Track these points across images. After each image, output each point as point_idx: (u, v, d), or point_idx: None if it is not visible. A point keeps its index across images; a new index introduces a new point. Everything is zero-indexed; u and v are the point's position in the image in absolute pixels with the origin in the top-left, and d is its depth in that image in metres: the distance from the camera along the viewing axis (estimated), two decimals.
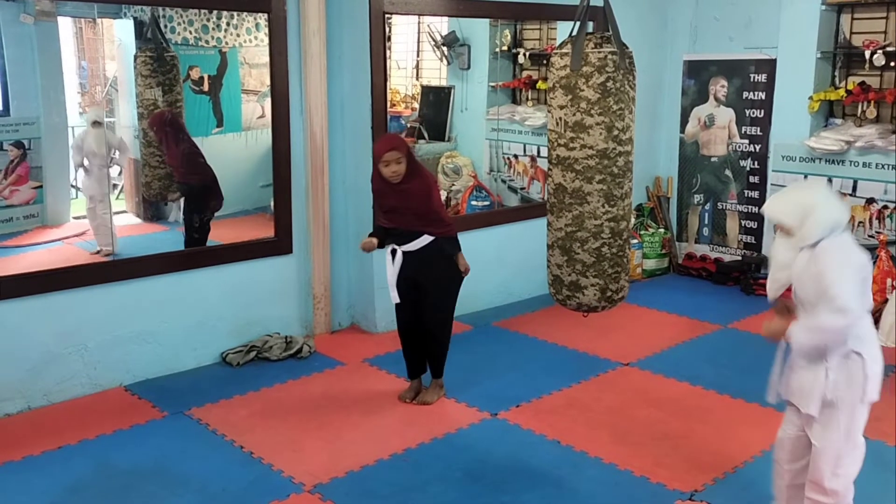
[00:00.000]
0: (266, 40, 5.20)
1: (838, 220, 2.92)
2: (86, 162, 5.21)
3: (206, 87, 5.61)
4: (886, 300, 5.59)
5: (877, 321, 5.57)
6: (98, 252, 5.09)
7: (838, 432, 2.94)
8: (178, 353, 5.01)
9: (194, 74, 5.53)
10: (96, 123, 5.20)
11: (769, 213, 3.01)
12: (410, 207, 4.26)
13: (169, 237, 5.61)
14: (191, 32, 5.45)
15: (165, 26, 5.30)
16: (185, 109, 5.49)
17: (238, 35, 5.65)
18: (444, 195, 7.21)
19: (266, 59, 5.25)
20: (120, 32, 5.48)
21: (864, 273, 2.88)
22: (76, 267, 4.73)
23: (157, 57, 5.31)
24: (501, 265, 6.21)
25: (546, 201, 3.59)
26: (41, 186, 5.12)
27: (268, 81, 5.28)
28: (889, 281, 5.70)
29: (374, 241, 4.36)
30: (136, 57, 5.32)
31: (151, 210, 5.79)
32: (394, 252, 4.37)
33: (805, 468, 3.10)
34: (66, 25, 5.31)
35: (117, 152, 5.51)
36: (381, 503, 3.60)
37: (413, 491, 3.69)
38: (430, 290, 4.39)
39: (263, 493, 3.65)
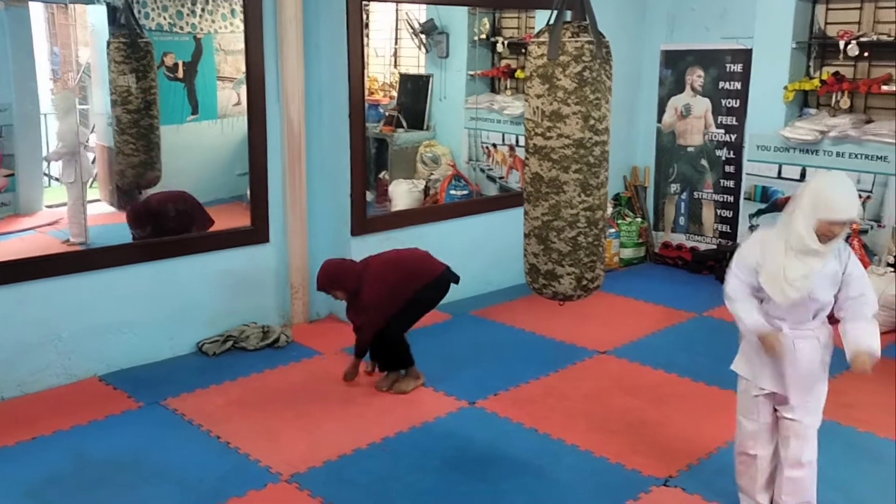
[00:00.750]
0: (242, 27, 5.15)
1: None
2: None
3: (180, 74, 5.55)
4: None
5: None
6: (67, 241, 5.04)
7: (820, 405, 3.25)
8: (153, 343, 4.97)
9: (169, 61, 5.46)
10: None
11: (855, 211, 3.02)
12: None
13: None
14: (165, 18, 5.38)
15: (139, 12, 5.23)
16: (159, 96, 5.42)
17: (213, 21, 5.58)
18: (422, 184, 7.20)
19: (242, 45, 5.20)
20: (93, 18, 5.40)
21: None
22: (50, 256, 4.68)
23: (130, 43, 5.24)
24: (480, 254, 6.22)
25: (523, 190, 3.59)
26: (13, 175, 5.05)
27: (244, 68, 5.23)
28: None
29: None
30: (109, 43, 5.24)
31: (125, 199, 5.72)
32: None
33: (774, 452, 3.27)
34: (37, 11, 5.22)
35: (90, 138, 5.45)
36: (358, 492, 3.60)
37: (391, 480, 3.70)
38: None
39: (240, 483, 3.65)
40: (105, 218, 5.51)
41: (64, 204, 5.27)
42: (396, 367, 4.62)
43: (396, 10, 7.98)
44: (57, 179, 5.32)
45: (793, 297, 3.05)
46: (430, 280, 4.51)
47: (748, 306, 3.16)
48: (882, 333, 5.36)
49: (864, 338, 3.05)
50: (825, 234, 3.01)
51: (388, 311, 4.44)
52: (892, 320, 5.46)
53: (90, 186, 5.48)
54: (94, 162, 5.59)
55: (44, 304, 4.54)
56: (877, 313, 3.13)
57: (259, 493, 3.59)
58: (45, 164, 5.26)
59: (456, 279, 4.60)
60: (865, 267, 5.71)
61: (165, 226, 5.36)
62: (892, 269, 5.56)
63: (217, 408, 4.39)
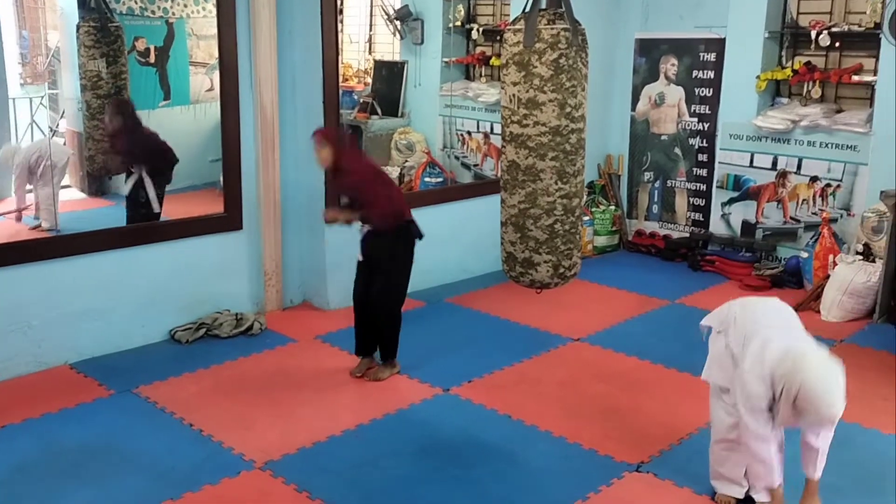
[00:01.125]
0: (214, 11, 5.09)
1: None
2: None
3: (152, 59, 5.48)
4: (828, 276, 5.74)
5: (818, 296, 5.73)
6: (37, 227, 4.98)
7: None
8: (125, 331, 4.92)
9: (140, 46, 5.39)
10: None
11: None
12: (348, 195, 4.39)
13: (114, 212, 5.48)
14: (136, 2, 5.31)
15: None
16: (130, 82, 5.35)
17: (185, 5, 5.52)
18: (397, 171, 7.18)
19: (215, 30, 5.14)
20: (62, 1, 5.31)
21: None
22: (20, 243, 4.62)
23: (100, 27, 5.17)
24: (455, 242, 6.22)
25: (500, 178, 3.60)
26: None
27: (216, 54, 5.18)
28: (831, 257, 5.85)
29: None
30: (78, 27, 5.17)
31: (96, 185, 5.65)
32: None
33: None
34: None
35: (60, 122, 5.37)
36: (333, 479, 3.60)
37: (365, 466, 3.70)
38: (381, 267, 4.40)
39: (214, 471, 3.63)
40: (76, 204, 5.44)
41: (30, 190, 5.20)
42: (388, 354, 4.58)
43: None
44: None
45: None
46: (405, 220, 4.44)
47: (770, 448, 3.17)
48: (851, 321, 5.51)
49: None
50: (787, 421, 3.04)
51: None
52: (862, 308, 5.55)
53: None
54: (64, 144, 5.51)
55: (14, 291, 4.47)
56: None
57: (233, 480, 3.57)
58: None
59: (419, 234, 4.53)
60: (834, 255, 5.82)
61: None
62: (861, 258, 5.63)
63: (190, 395, 4.36)
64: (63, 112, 5.43)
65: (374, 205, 4.31)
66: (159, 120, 5.46)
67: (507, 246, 3.54)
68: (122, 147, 5.35)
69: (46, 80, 5.38)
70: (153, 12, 5.40)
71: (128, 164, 5.34)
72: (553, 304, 5.64)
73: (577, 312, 5.67)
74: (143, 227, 5.11)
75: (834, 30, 5.98)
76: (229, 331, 5.15)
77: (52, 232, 4.94)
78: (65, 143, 5.53)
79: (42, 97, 5.36)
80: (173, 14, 5.47)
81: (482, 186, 6.64)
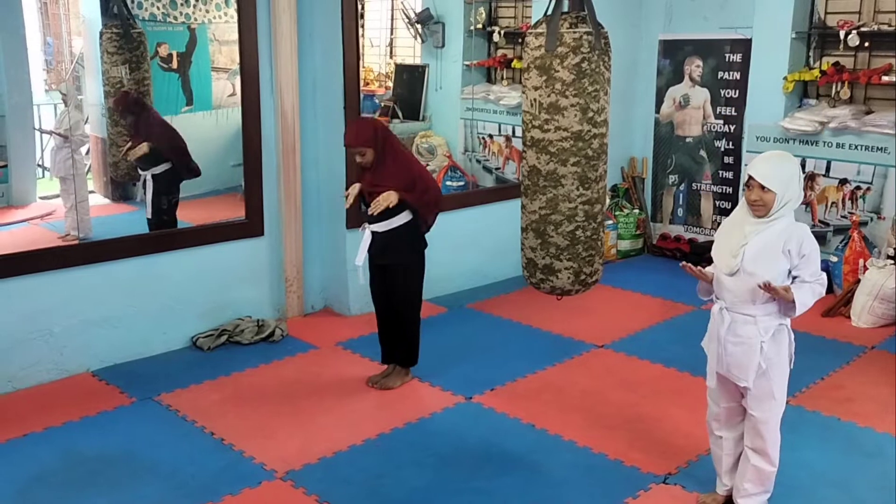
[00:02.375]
0: (236, 16, 5.09)
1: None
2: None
3: (174, 65, 5.49)
4: (858, 280, 5.63)
5: (849, 301, 5.62)
6: (67, 235, 5.00)
7: (773, 400, 3.15)
8: (146, 338, 4.92)
9: (162, 51, 5.40)
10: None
11: (764, 174, 2.97)
12: (389, 186, 4.18)
13: (138, 217, 5.49)
14: (158, 8, 5.31)
15: (132, 2, 5.17)
16: (152, 87, 5.36)
17: (207, 11, 5.52)
18: None
19: (236, 35, 5.13)
20: (85, 8, 5.33)
21: None
22: (41, 251, 4.62)
23: (123, 33, 5.18)
24: (476, 247, 6.17)
25: (520, 183, 3.54)
26: (6, 166, 5.00)
27: (238, 59, 5.17)
28: (861, 262, 5.74)
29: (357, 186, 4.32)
30: (101, 33, 5.18)
31: (119, 190, 5.67)
32: (364, 230, 4.34)
33: (741, 437, 3.28)
34: (29, 0, 5.17)
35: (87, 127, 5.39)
36: (354, 489, 3.56)
37: (386, 476, 3.66)
38: (395, 272, 4.36)
39: (234, 481, 3.60)
40: (99, 210, 5.46)
41: (58, 195, 5.22)
42: (407, 359, 4.53)
43: None
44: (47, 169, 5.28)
45: (727, 265, 3.08)
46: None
47: (710, 268, 3.26)
48: (882, 326, 5.39)
49: (797, 290, 3.02)
50: (748, 200, 3.03)
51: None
52: (893, 313, 5.43)
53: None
54: (88, 153, 5.54)
55: (35, 298, 4.49)
56: (820, 292, 3.08)
57: (253, 490, 3.54)
58: (39, 153, 5.21)
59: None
60: (865, 259, 5.70)
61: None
62: (892, 262, 5.51)
63: (211, 403, 4.35)
64: (87, 117, 5.45)
65: (425, 180, 4.26)
66: (182, 125, 5.46)
67: (528, 252, 3.49)
68: (139, 134, 5.33)
69: (72, 85, 5.40)
70: (175, 18, 5.40)
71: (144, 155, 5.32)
72: (576, 309, 5.56)
73: (601, 318, 5.60)
74: (165, 233, 5.11)
75: (863, 30, 5.86)
76: (251, 337, 5.13)
77: (82, 239, 4.94)
78: (88, 150, 5.56)
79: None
80: (195, 20, 5.48)
81: (503, 191, 6.59)
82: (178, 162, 5.34)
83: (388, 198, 4.13)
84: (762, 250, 3.03)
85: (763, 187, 2.98)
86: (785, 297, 2.99)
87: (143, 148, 5.25)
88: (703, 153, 6.90)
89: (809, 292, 3.02)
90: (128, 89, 5.22)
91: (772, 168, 2.99)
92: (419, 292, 4.47)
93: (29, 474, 3.65)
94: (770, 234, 3.03)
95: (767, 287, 2.96)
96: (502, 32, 7.36)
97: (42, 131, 5.26)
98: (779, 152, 3.15)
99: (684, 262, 3.29)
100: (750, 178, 3.01)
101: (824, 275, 3.10)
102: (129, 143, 5.27)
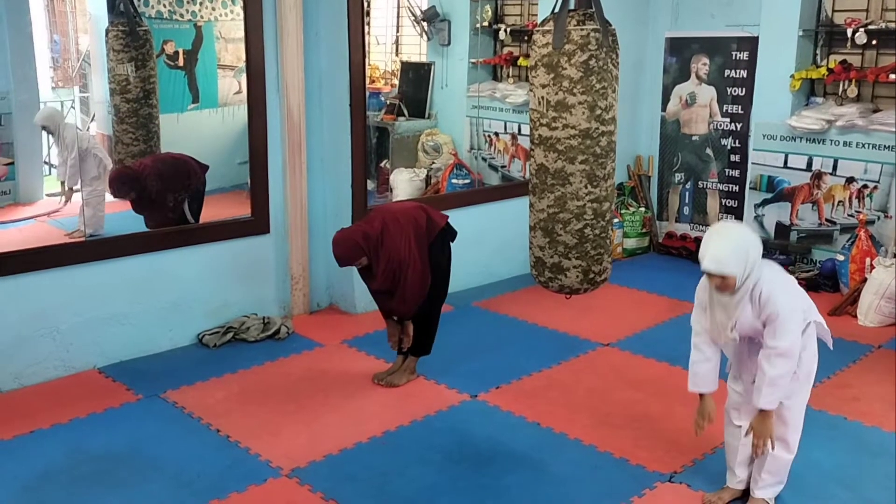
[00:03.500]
0: (241, 14, 5.08)
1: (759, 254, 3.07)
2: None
3: (181, 62, 5.49)
4: (865, 280, 5.61)
5: (855, 300, 5.60)
6: (77, 231, 5.00)
7: (798, 383, 3.17)
8: (152, 335, 4.93)
9: (169, 49, 5.40)
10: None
11: (718, 264, 2.97)
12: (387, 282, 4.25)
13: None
14: (164, 6, 5.32)
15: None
16: (158, 85, 5.37)
17: (213, 9, 5.52)
18: (424, 173, 7.14)
19: (242, 33, 5.13)
20: (91, 5, 5.33)
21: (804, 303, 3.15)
22: (48, 248, 4.62)
23: (129, 31, 5.18)
24: (482, 245, 6.16)
25: (528, 182, 3.54)
26: (13, 163, 5.00)
27: (244, 56, 5.17)
28: (868, 260, 5.72)
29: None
30: (107, 31, 5.18)
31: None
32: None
33: None
34: None
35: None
36: (359, 487, 3.56)
37: (392, 474, 3.66)
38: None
39: (240, 478, 3.60)
40: (105, 207, 5.46)
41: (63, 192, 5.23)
42: (422, 350, 4.53)
43: None
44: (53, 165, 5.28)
45: (727, 338, 3.13)
46: (437, 233, 4.36)
47: (699, 356, 3.25)
48: (889, 325, 5.37)
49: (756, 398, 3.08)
50: (714, 287, 3.07)
51: (424, 265, 4.26)
52: None
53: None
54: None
55: (42, 295, 4.49)
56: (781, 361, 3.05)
57: (259, 487, 3.55)
58: (44, 151, 5.21)
59: (453, 235, 4.50)
60: (871, 258, 5.68)
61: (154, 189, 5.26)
62: None
63: (217, 401, 4.35)
64: (93, 115, 5.46)
65: (406, 299, 4.27)
66: (188, 123, 5.47)
67: (536, 251, 3.48)
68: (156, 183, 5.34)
69: (77, 84, 5.41)
70: (181, 16, 5.40)
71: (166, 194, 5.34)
72: (582, 308, 5.55)
73: (607, 317, 5.59)
74: (170, 231, 5.11)
75: (870, 27, 5.84)
76: (256, 335, 5.13)
77: (93, 237, 4.94)
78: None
79: (73, 101, 5.39)
80: (201, 17, 5.48)
81: (509, 189, 6.57)
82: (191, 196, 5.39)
83: (409, 328, 4.36)
84: (750, 320, 3.08)
85: (723, 276, 2.99)
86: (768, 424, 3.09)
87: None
88: (709, 151, 6.88)
89: (768, 389, 3.03)
90: (123, 167, 5.24)
91: (721, 254, 2.98)
92: (447, 287, 4.51)
93: (35, 471, 3.65)
94: (748, 308, 3.05)
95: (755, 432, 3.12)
96: (508, 30, 7.34)
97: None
98: (723, 226, 3.20)
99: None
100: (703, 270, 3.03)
101: (796, 338, 3.04)
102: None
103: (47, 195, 5.25)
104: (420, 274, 4.21)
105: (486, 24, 7.38)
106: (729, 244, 3.00)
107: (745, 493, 3.39)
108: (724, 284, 3.01)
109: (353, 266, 4.29)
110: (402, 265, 4.17)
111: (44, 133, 5.21)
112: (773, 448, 3.14)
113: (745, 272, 2.99)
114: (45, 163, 5.35)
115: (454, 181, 7.01)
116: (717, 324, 3.14)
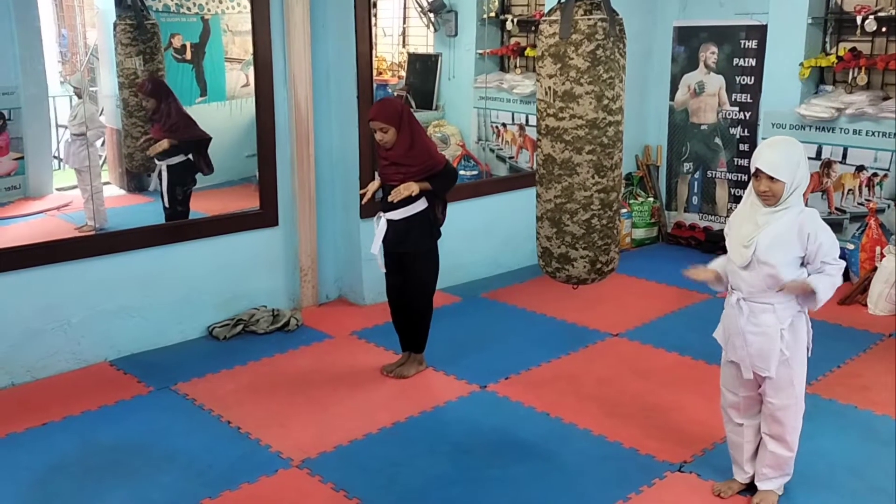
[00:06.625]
0: (248, 7, 5.09)
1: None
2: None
3: (188, 56, 5.49)
4: (875, 268, 5.59)
5: (865, 289, 5.58)
6: (84, 226, 5.03)
7: (793, 388, 3.15)
8: (163, 328, 4.95)
9: (176, 42, 5.41)
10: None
11: (771, 164, 2.96)
12: (408, 169, 4.18)
13: (154, 208, 5.52)
14: None
15: None
16: (166, 78, 5.38)
17: (220, 2, 5.52)
18: None
19: (249, 26, 5.13)
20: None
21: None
22: (58, 242, 4.65)
23: (137, 25, 5.19)
24: (490, 236, 6.16)
25: (535, 172, 3.53)
26: (22, 158, 5.02)
27: (251, 49, 5.17)
28: (878, 249, 5.69)
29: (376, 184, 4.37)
30: (115, 25, 5.20)
31: (134, 181, 5.69)
32: (379, 219, 4.33)
33: (759, 427, 3.29)
34: None
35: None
36: (369, 477, 3.58)
37: (401, 465, 3.67)
38: (411, 260, 4.35)
39: (251, 469, 3.62)
40: (115, 201, 5.49)
41: (75, 186, 5.25)
42: (417, 346, 4.54)
43: None
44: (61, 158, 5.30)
45: (741, 256, 3.08)
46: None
47: (721, 259, 3.30)
48: None
49: (817, 281, 3.03)
50: (757, 191, 3.03)
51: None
52: None
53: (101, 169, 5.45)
54: (103, 144, 5.56)
55: (52, 289, 4.52)
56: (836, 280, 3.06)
57: (270, 478, 3.57)
58: (55, 145, 5.23)
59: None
60: (881, 247, 5.66)
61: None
62: None
63: (227, 393, 4.37)
64: (102, 109, 5.47)
65: (436, 160, 4.25)
66: (196, 116, 5.48)
67: (543, 241, 3.48)
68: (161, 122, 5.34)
69: (86, 78, 5.42)
70: (189, 9, 5.41)
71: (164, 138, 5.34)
72: (590, 298, 5.55)
73: (616, 307, 5.59)
74: (180, 224, 5.14)
75: (880, 15, 5.80)
76: (266, 327, 5.16)
77: (98, 230, 4.97)
78: (103, 142, 5.58)
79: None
80: (208, 10, 5.48)
81: (517, 180, 6.57)
82: (196, 155, 5.36)
83: (410, 187, 4.12)
84: (775, 239, 3.02)
85: (771, 178, 2.97)
86: (803, 291, 2.99)
87: (164, 144, 5.26)
88: (718, 141, 6.86)
89: (829, 285, 3.02)
90: (151, 76, 5.24)
91: (778, 157, 2.98)
92: (434, 281, 4.47)
93: (48, 463, 3.68)
94: (782, 223, 3.02)
95: (788, 288, 3.00)
96: (515, 20, 7.32)
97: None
98: (782, 138, 3.14)
99: (685, 271, 3.38)
100: (757, 169, 3.00)
101: (843, 262, 3.08)
102: (150, 137, 5.29)
103: (57, 189, 5.27)
104: (431, 151, 4.25)
105: (493, 14, 7.36)
106: (785, 153, 3.00)
107: (755, 484, 3.39)
108: (770, 191, 2.99)
109: (376, 130, 4.16)
110: (419, 143, 4.22)
111: (58, 129, 5.24)
112: None
113: (793, 184, 2.99)
114: (55, 157, 5.37)
115: (462, 172, 7.00)
116: (740, 237, 3.10)
